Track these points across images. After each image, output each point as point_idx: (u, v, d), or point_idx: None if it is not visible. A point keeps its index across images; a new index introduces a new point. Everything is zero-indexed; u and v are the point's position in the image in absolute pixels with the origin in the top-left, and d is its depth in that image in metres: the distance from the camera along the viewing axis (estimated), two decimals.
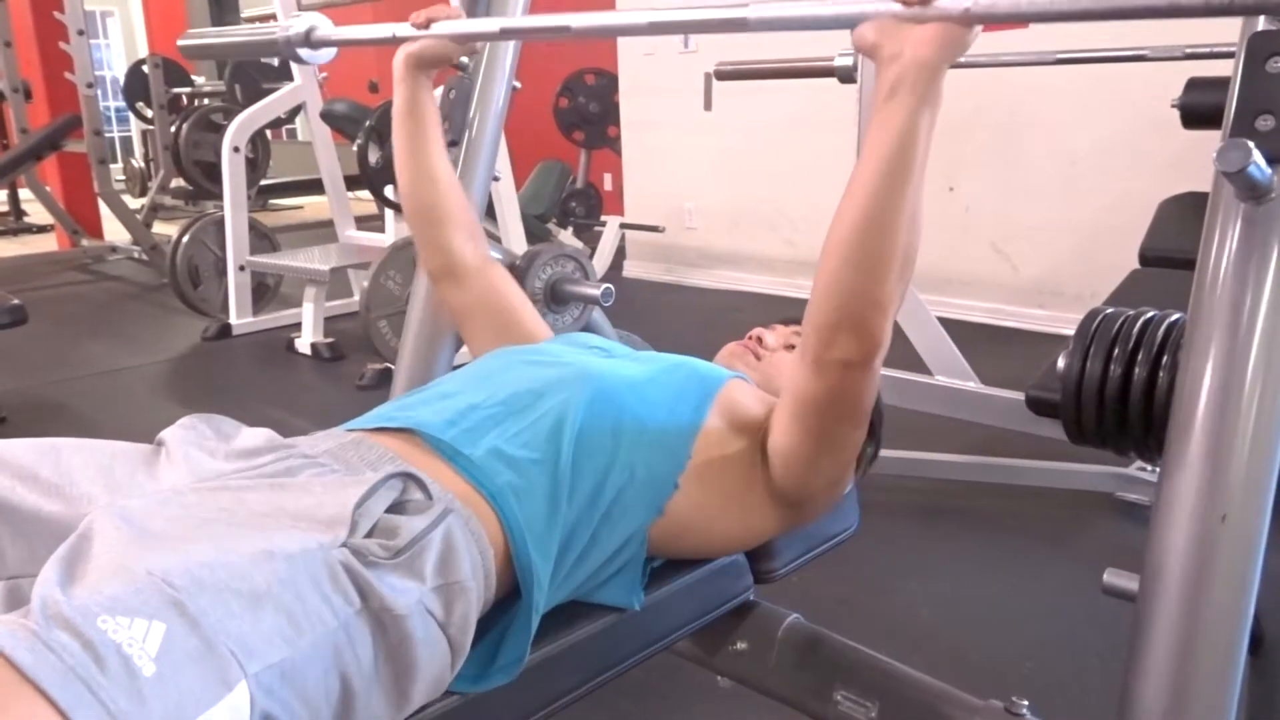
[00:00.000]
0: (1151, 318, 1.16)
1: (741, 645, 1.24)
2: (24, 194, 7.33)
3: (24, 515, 0.80)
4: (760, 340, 1.34)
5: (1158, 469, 0.96)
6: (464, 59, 1.68)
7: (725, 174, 4.98)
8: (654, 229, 5.14)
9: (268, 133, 5.24)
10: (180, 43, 1.78)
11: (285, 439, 0.97)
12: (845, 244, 0.91)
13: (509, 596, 0.94)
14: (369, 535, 0.78)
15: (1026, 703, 1.06)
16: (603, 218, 5.42)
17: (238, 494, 0.80)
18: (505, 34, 1.33)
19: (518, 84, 1.75)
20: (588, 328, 1.86)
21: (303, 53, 1.51)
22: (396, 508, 0.83)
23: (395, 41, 1.35)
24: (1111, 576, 1.02)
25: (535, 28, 1.33)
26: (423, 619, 0.79)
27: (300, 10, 4.41)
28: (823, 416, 1.02)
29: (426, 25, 1.29)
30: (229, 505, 0.79)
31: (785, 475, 1.08)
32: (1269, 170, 0.82)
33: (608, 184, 6.14)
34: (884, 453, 1.42)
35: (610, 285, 1.76)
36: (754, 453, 1.10)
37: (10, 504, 0.80)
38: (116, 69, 10.46)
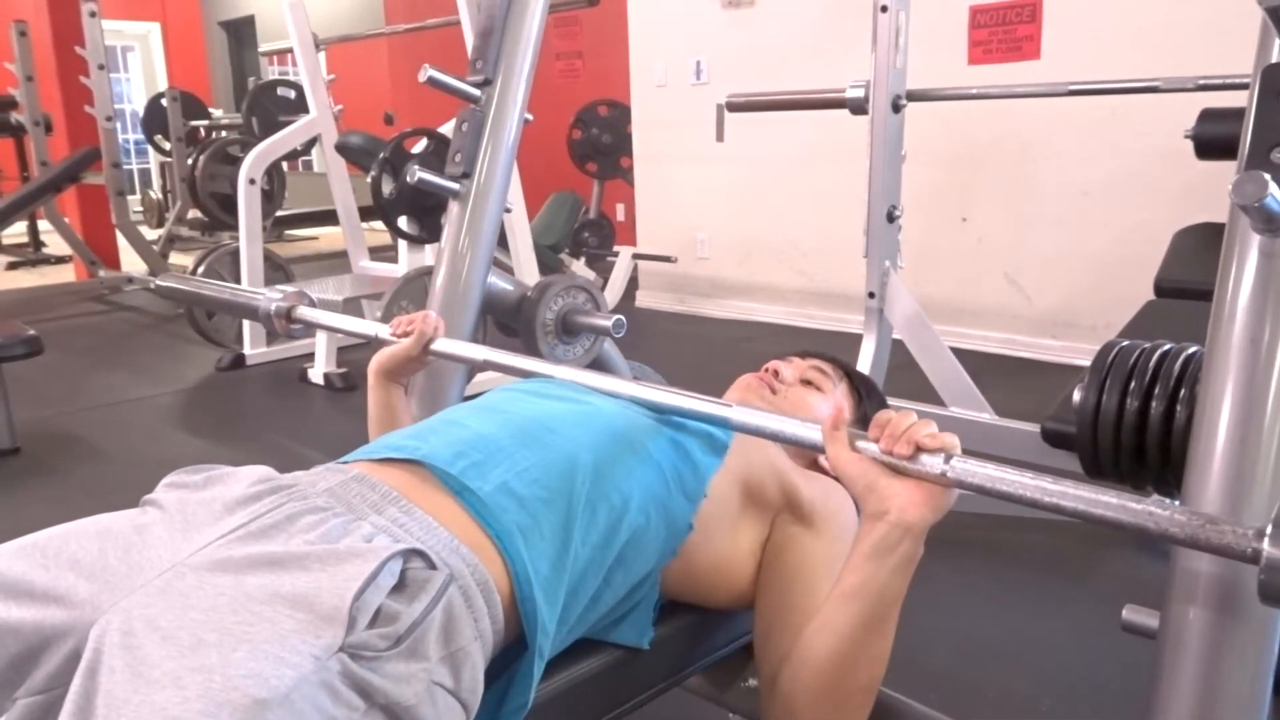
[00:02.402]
0: (1168, 350, 1.15)
1: (753, 682, 1.23)
2: (43, 225, 7.40)
3: (26, 637, 0.78)
4: (777, 374, 1.33)
5: (1176, 503, 0.94)
6: (475, 91, 1.70)
7: (737, 205, 4.99)
8: (666, 259, 5.15)
9: (283, 165, 5.28)
10: (159, 283, 1.86)
11: (284, 477, 0.95)
12: (811, 671, 0.96)
13: (520, 637, 0.93)
14: (370, 624, 0.76)
15: None
16: (615, 248, 5.44)
17: (237, 576, 0.78)
18: (487, 364, 1.31)
19: (529, 116, 1.76)
20: (599, 359, 1.86)
21: (279, 325, 1.56)
22: (397, 586, 0.80)
23: (375, 340, 1.39)
24: (1131, 613, 1.00)
25: (514, 366, 1.28)
26: (433, 695, 0.78)
27: (318, 46, 4.47)
28: None
29: (405, 335, 1.33)
30: (228, 591, 0.77)
31: None
32: None
33: (620, 214, 6.17)
34: None
35: (621, 316, 1.76)
36: (765, 525, 1.10)
37: (10, 628, 0.78)
38: (136, 102, 10.61)
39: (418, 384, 1.68)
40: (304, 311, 1.56)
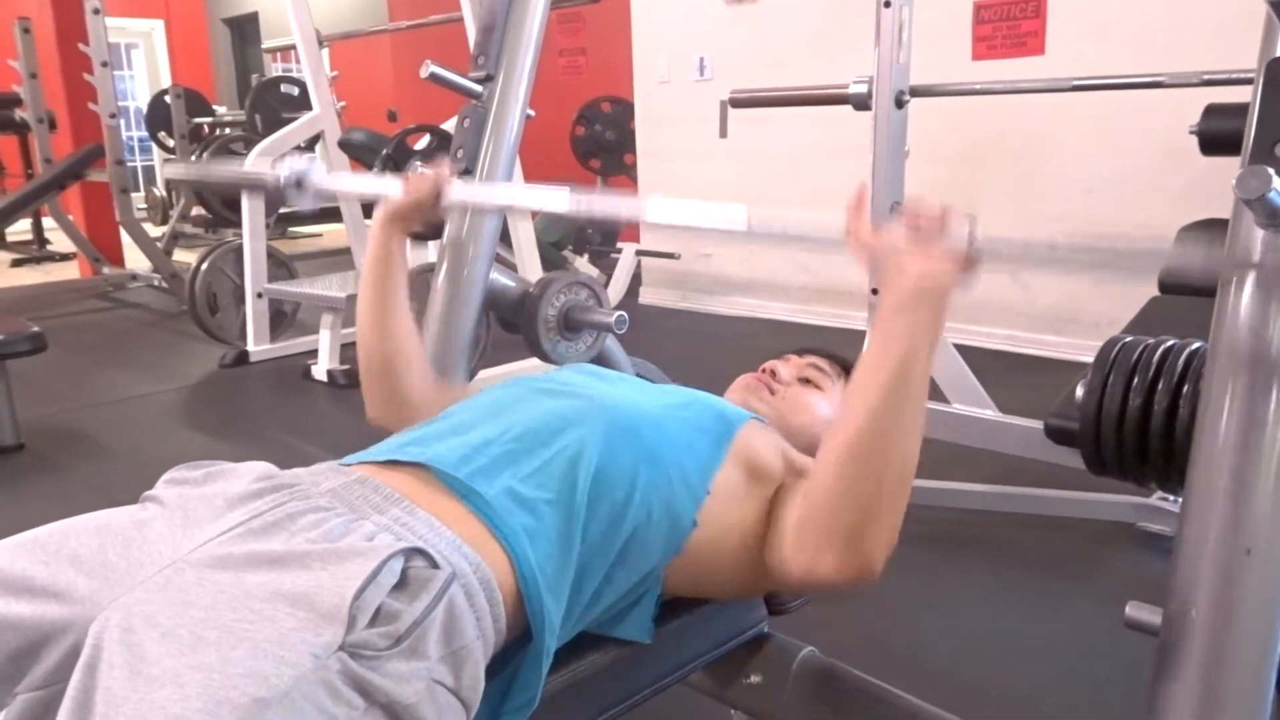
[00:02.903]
0: (1171, 346, 1.14)
1: (755, 678, 1.23)
2: (47, 222, 7.41)
3: (26, 632, 0.78)
4: (774, 374, 1.32)
5: (1180, 500, 0.94)
6: (478, 87, 1.69)
7: (741, 201, 4.95)
8: (670, 256, 5.14)
9: None
10: (166, 171, 1.82)
11: (286, 474, 0.95)
12: (841, 459, 0.92)
13: (522, 635, 0.93)
14: (370, 623, 0.76)
15: None
16: (618, 245, 5.44)
17: (237, 573, 0.78)
18: (502, 206, 1.32)
19: (531, 112, 1.76)
20: (602, 355, 1.86)
21: (290, 194, 1.53)
22: (398, 585, 0.80)
23: (386, 196, 1.36)
24: (1134, 610, 1.00)
25: (534, 204, 1.30)
26: (433, 694, 0.78)
27: (321, 43, 4.47)
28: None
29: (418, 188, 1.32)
30: (228, 589, 0.77)
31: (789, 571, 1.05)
32: None
33: None
34: None
35: (624, 313, 1.75)
36: (768, 500, 1.09)
37: (9, 623, 0.78)
38: (140, 99, 10.62)
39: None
40: (316, 177, 1.52)
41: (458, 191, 1.34)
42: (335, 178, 1.54)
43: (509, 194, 1.30)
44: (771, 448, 1.14)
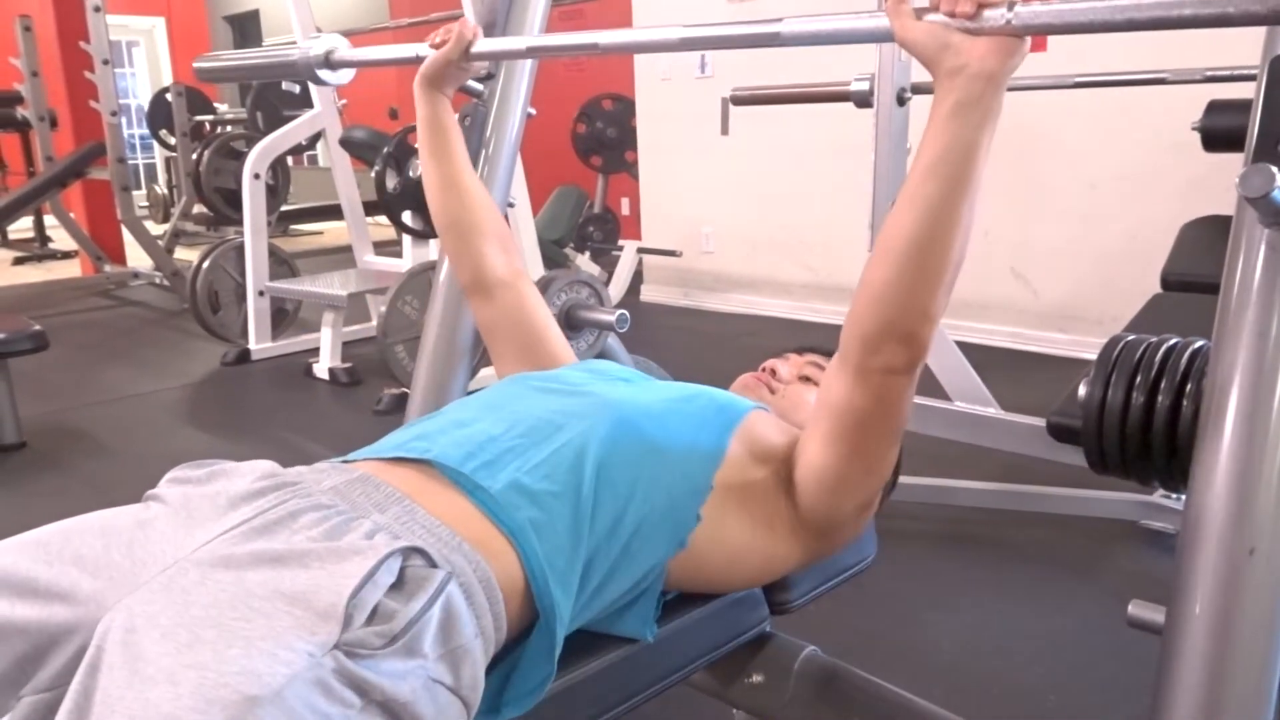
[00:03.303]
0: (1174, 344, 1.14)
1: (757, 678, 1.22)
2: (49, 220, 7.42)
3: (32, 636, 0.78)
4: (774, 372, 1.32)
5: (1183, 498, 0.94)
6: (479, 86, 1.69)
7: (743, 198, 4.99)
8: (671, 253, 5.14)
9: (288, 159, 5.28)
10: (197, 64, 1.80)
11: (288, 472, 0.95)
12: (900, 254, 0.92)
13: (525, 630, 0.93)
14: (367, 622, 0.76)
15: None
16: (620, 242, 5.43)
17: (239, 572, 0.78)
18: (531, 51, 1.36)
19: (532, 110, 1.76)
20: (603, 353, 1.86)
21: (322, 74, 1.53)
22: (396, 584, 0.80)
23: (416, 61, 1.38)
24: (1137, 609, 1.00)
25: (562, 45, 1.35)
26: (431, 692, 0.78)
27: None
28: (864, 429, 1.01)
29: (444, 44, 1.34)
30: (229, 588, 0.77)
31: (818, 500, 1.06)
32: None
33: (625, 209, 6.16)
34: (903, 480, 1.41)
35: (625, 311, 1.75)
36: (777, 484, 1.08)
37: (16, 627, 0.78)
38: (141, 97, 10.62)
39: (420, 381, 1.68)
40: (342, 53, 1.53)
41: (484, 43, 1.36)
42: (361, 50, 1.56)
43: (536, 42, 1.32)
44: (775, 429, 1.15)
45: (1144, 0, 0.77)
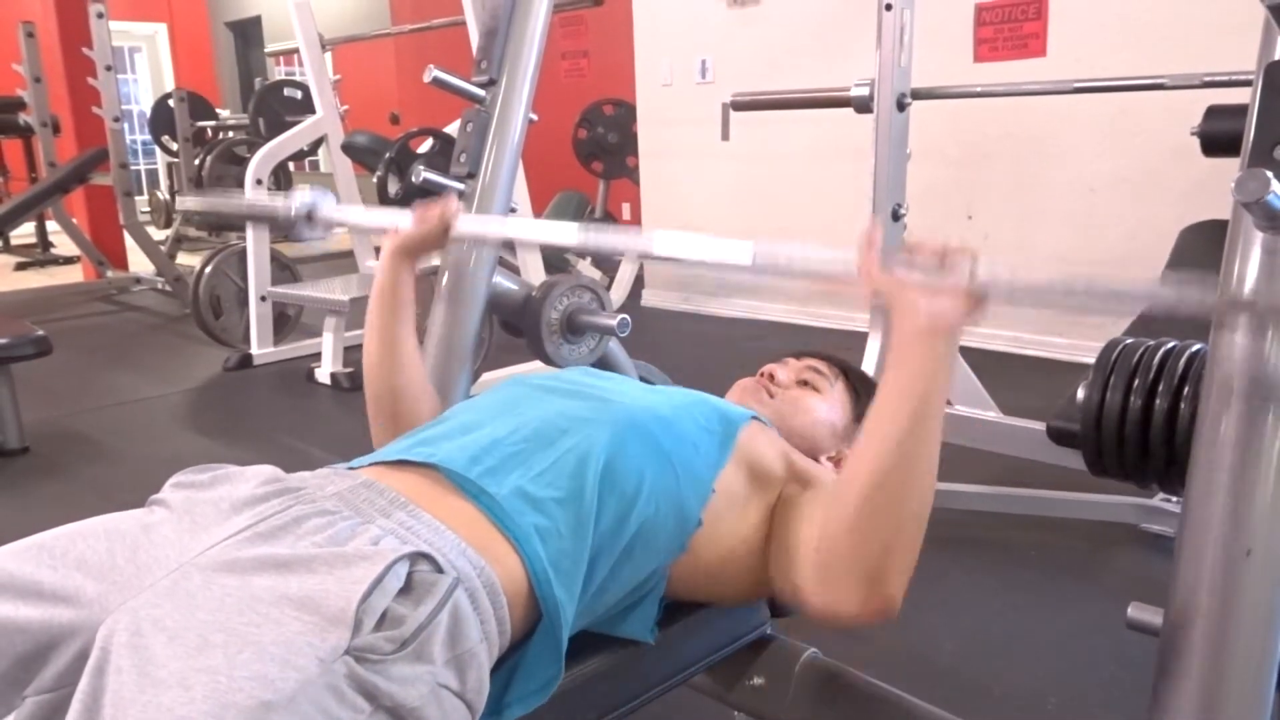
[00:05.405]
0: (1172, 348, 1.15)
1: (758, 680, 1.23)
2: (51, 226, 7.43)
3: (35, 635, 0.78)
4: (772, 377, 1.33)
5: (1181, 501, 0.94)
6: (480, 92, 1.70)
7: (743, 203, 4.99)
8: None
9: (290, 165, 5.30)
10: (181, 204, 1.85)
11: (291, 478, 0.95)
12: (863, 496, 0.92)
13: (528, 632, 0.93)
14: (376, 627, 0.77)
15: None
16: None
17: (244, 577, 0.78)
18: (507, 240, 1.34)
19: (534, 116, 1.76)
20: (604, 358, 1.86)
21: (301, 230, 1.53)
22: (403, 589, 0.81)
23: (394, 230, 1.37)
24: (1136, 611, 1.00)
25: (542, 238, 1.32)
26: (438, 697, 0.79)
27: (324, 46, 4.48)
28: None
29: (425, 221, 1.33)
30: (235, 592, 0.77)
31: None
32: None
33: (626, 213, 6.17)
34: None
35: (626, 316, 1.75)
36: (770, 506, 1.10)
37: (18, 626, 0.78)
38: (143, 103, 10.63)
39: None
40: (326, 211, 1.53)
41: (466, 224, 1.35)
42: (344, 210, 1.55)
43: (516, 227, 1.32)
44: (774, 449, 1.14)
45: (1095, 282, 0.83)
